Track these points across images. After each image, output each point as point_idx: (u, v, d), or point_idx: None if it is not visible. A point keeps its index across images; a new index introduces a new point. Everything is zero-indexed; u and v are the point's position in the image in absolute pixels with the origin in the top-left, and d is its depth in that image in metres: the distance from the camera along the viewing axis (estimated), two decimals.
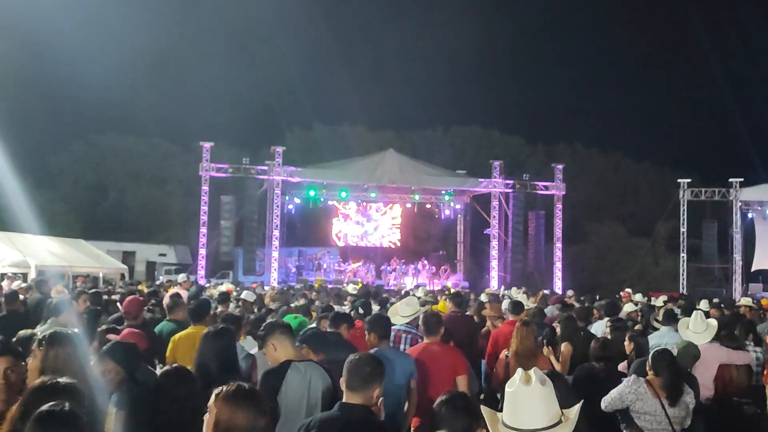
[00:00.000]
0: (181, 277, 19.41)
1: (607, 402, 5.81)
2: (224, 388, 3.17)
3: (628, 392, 5.72)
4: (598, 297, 17.82)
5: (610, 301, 11.49)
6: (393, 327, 6.78)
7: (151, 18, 55.57)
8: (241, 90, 60.03)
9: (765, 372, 7.66)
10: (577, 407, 2.94)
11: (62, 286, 14.88)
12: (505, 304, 11.91)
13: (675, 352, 6.52)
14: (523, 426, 2.76)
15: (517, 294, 16.80)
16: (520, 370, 2.90)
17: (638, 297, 17.51)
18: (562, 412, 2.86)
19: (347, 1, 70.71)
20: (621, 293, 17.45)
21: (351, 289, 16.51)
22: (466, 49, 68.85)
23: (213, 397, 3.16)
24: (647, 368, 5.86)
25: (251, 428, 3.08)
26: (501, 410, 2.93)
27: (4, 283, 16.09)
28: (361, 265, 35.77)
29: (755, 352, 7.90)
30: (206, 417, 3.15)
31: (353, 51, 60.91)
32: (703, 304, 12.43)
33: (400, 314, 7.54)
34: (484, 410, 2.97)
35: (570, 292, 21.89)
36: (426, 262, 36.09)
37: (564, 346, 8.21)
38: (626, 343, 7.47)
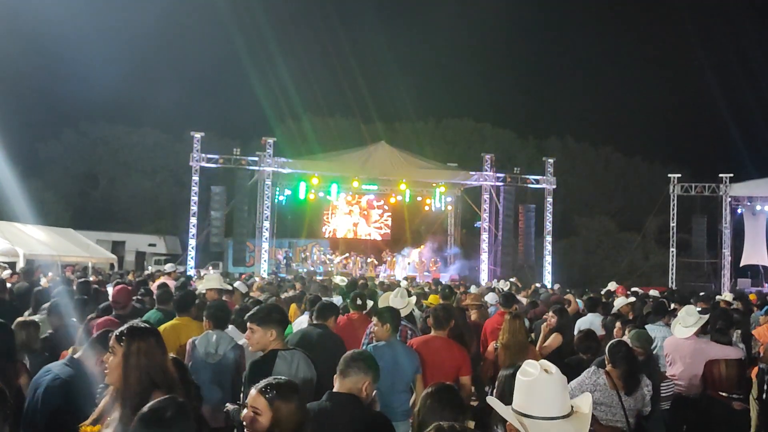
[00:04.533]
0: (169, 266, 19.34)
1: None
2: (269, 385, 3.15)
3: (588, 383, 5.77)
4: (587, 290, 17.88)
5: (591, 297, 11.53)
6: None
7: (142, 7, 55.37)
8: (232, 80, 59.99)
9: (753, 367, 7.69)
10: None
11: (51, 273, 14.85)
12: (490, 298, 11.99)
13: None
14: (540, 414, 2.75)
15: (505, 285, 16.90)
16: (533, 362, 2.90)
17: (612, 286, 17.59)
18: (572, 404, 2.87)
19: None
20: (611, 288, 17.45)
21: (339, 280, 16.52)
22: (458, 42, 68.91)
23: (259, 395, 3.14)
24: (605, 360, 5.90)
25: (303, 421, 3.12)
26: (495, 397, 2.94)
27: None
28: (350, 257, 35.80)
29: (743, 349, 7.96)
30: (258, 418, 3.12)
31: (344, 43, 60.75)
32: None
33: (392, 306, 7.55)
34: (495, 403, 2.94)
35: (556, 286, 21.98)
36: (416, 254, 36.18)
37: (554, 337, 8.28)
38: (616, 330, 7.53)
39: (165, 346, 3.61)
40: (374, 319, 6.49)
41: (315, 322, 6.74)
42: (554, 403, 2.77)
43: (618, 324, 8.15)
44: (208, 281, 9.78)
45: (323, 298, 9.01)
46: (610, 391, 5.69)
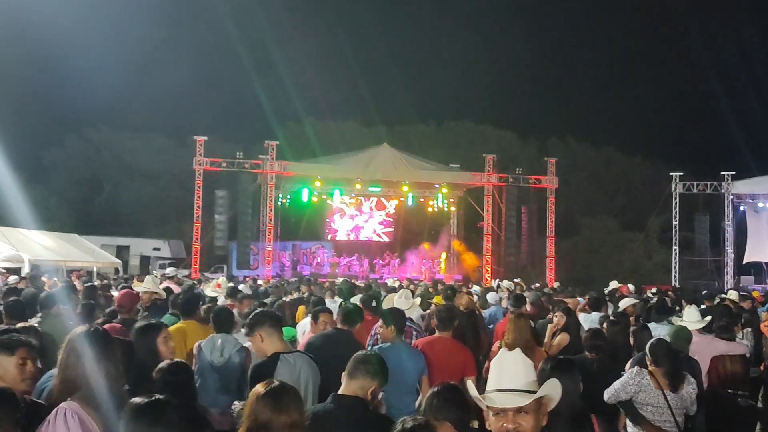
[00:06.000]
0: (170, 270, 19.28)
1: (609, 393, 5.83)
2: (257, 388, 3.28)
3: (632, 384, 5.74)
4: (573, 289, 17.90)
5: (595, 296, 11.50)
6: None
7: (144, 13, 55.50)
8: (235, 84, 60.04)
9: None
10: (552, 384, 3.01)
11: (55, 279, 14.89)
12: (491, 297, 12.01)
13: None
14: (502, 386, 2.87)
15: (509, 286, 16.92)
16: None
17: (613, 285, 17.57)
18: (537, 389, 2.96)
19: None
20: (614, 287, 17.43)
21: (341, 283, 16.51)
22: (457, 44, 68.93)
23: (250, 396, 3.30)
24: (647, 360, 5.90)
25: (276, 424, 3.18)
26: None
27: None
28: (354, 259, 35.86)
29: (747, 345, 7.97)
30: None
31: (346, 47, 60.89)
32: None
33: (397, 307, 7.59)
34: (470, 386, 3.09)
35: (556, 284, 21.97)
36: (420, 255, 36.25)
37: (561, 336, 8.29)
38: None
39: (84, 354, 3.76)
40: (380, 321, 6.51)
41: (340, 326, 6.65)
42: (514, 377, 2.89)
43: (605, 325, 8.15)
44: (146, 283, 9.75)
45: (327, 301, 9.05)
46: (655, 391, 5.67)
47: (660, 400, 5.67)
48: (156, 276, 13.52)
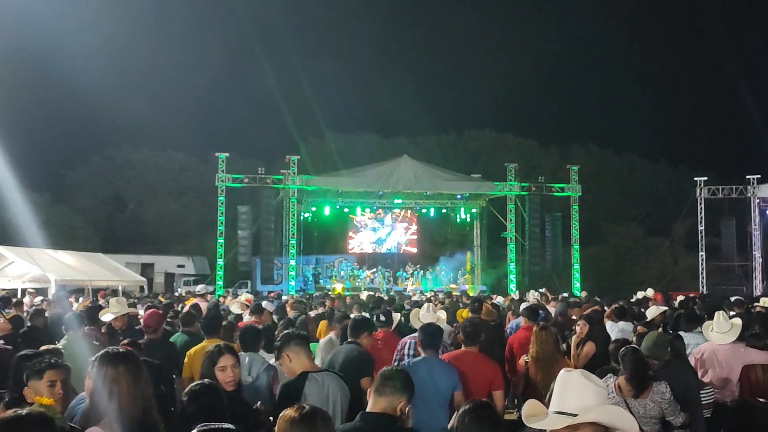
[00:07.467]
0: (200, 287, 19.17)
1: None
2: (288, 412, 3.22)
3: None
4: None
5: (619, 306, 11.33)
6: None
7: (165, 32, 56.05)
8: (255, 100, 60.42)
9: None
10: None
11: (82, 299, 14.95)
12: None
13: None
14: (556, 408, 2.84)
15: (534, 296, 16.79)
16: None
17: (649, 292, 17.32)
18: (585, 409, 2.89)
19: (358, 11, 70.94)
20: (644, 294, 17.22)
21: (364, 296, 16.37)
22: (477, 53, 68.88)
23: (280, 419, 3.22)
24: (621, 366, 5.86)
25: None
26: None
27: (26, 299, 16.23)
28: (377, 271, 35.81)
29: None
30: None
31: (365, 59, 61.05)
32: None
33: (420, 320, 7.52)
34: (533, 402, 3.01)
35: (583, 294, 21.80)
36: (443, 266, 36.15)
37: (588, 345, 8.19)
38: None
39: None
40: (417, 334, 6.46)
41: (349, 339, 6.68)
42: (570, 399, 2.86)
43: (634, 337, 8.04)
44: (112, 307, 9.04)
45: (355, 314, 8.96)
46: (617, 398, 5.65)
47: (621, 406, 5.56)
48: (123, 297, 13.16)
